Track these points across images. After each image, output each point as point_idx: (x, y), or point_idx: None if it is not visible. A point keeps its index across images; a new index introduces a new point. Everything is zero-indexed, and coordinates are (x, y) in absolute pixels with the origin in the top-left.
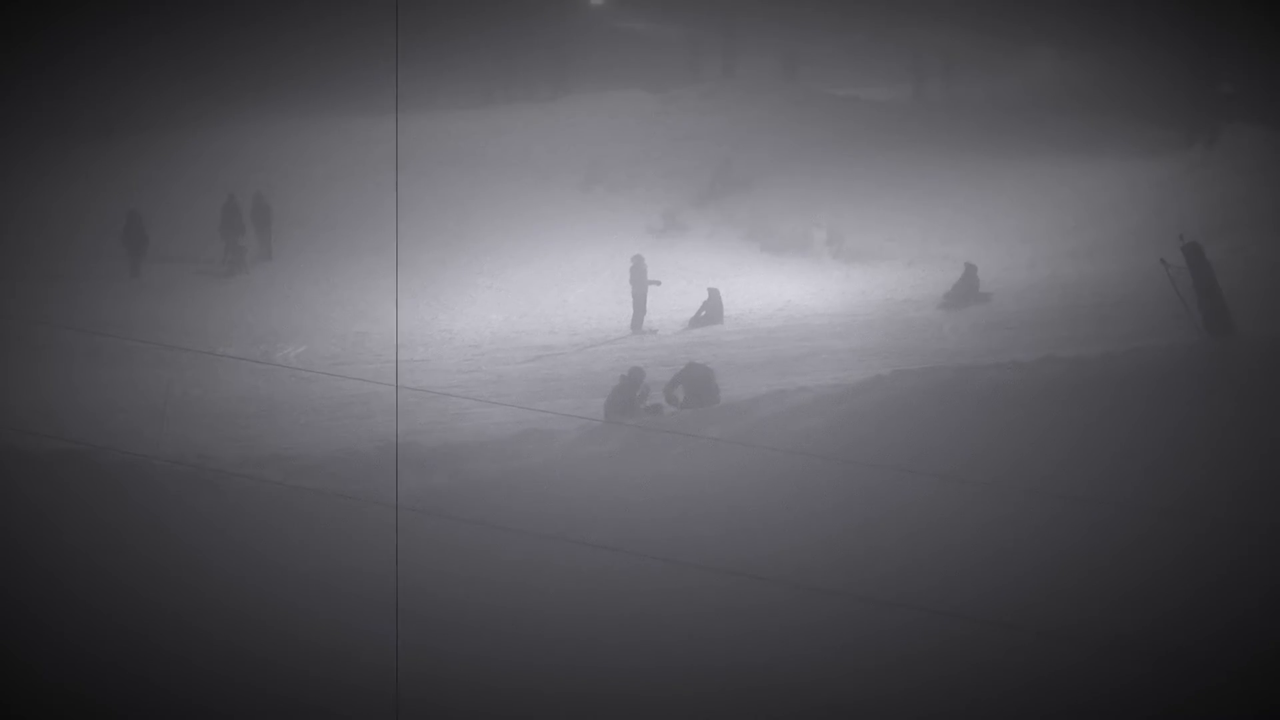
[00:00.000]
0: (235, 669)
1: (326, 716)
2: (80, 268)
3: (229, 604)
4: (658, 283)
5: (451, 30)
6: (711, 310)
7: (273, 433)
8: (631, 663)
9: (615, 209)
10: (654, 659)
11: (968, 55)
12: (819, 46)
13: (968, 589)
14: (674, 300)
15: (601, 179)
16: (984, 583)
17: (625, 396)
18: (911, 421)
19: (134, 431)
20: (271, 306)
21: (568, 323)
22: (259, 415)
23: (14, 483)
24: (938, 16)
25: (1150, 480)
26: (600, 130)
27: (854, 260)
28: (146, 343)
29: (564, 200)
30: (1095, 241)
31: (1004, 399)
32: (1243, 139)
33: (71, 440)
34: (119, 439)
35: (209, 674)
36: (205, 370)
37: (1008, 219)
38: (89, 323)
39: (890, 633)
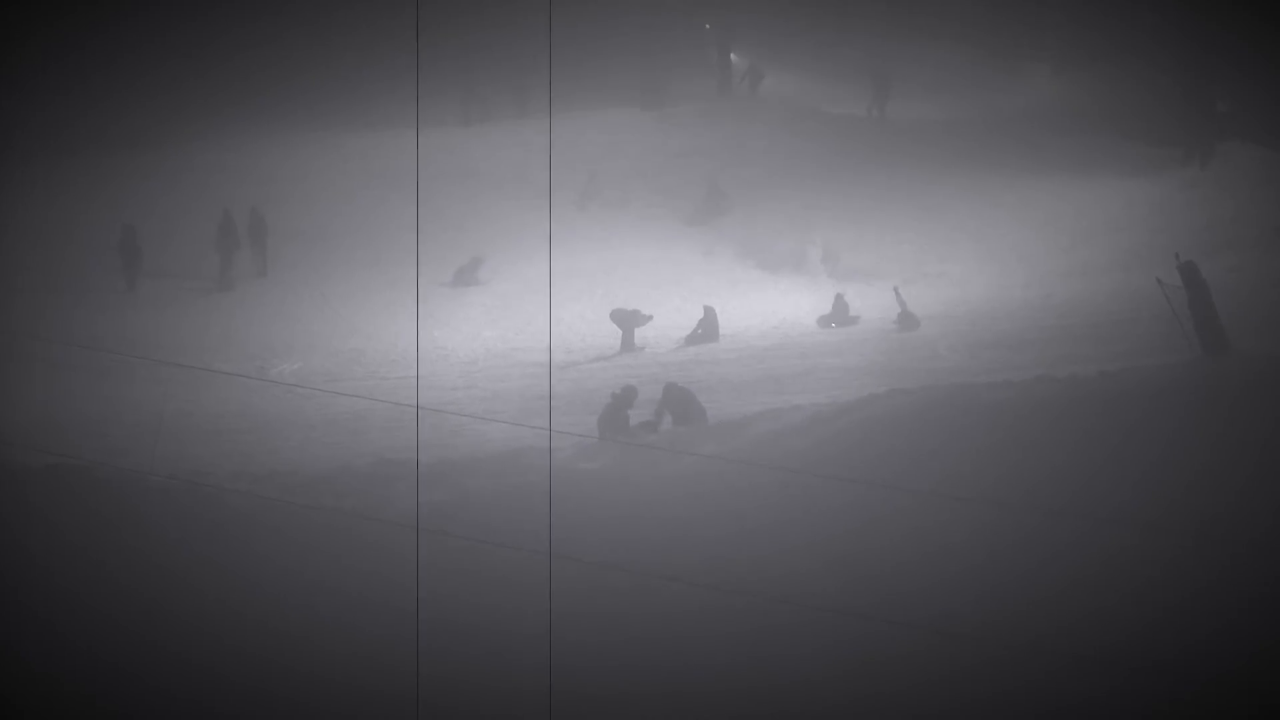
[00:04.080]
0: (226, 683)
1: None
2: (75, 282)
3: (224, 620)
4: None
5: (447, 47)
6: (707, 328)
7: (267, 449)
8: (622, 676)
9: (610, 226)
10: (645, 672)
11: (964, 73)
12: (815, 64)
13: (965, 606)
14: (669, 318)
15: (596, 196)
16: (982, 599)
17: (618, 414)
18: (906, 440)
19: (128, 447)
20: (266, 322)
21: (562, 340)
22: (253, 431)
23: (7, 497)
24: (934, 34)
25: (1146, 498)
26: (595, 147)
27: (849, 278)
28: (141, 358)
29: (559, 217)
30: (1091, 260)
31: (999, 417)
32: (1239, 157)
33: (65, 455)
34: (113, 454)
35: (196, 688)
36: (200, 386)
37: (1003, 237)
38: (84, 337)
39: (888, 649)
